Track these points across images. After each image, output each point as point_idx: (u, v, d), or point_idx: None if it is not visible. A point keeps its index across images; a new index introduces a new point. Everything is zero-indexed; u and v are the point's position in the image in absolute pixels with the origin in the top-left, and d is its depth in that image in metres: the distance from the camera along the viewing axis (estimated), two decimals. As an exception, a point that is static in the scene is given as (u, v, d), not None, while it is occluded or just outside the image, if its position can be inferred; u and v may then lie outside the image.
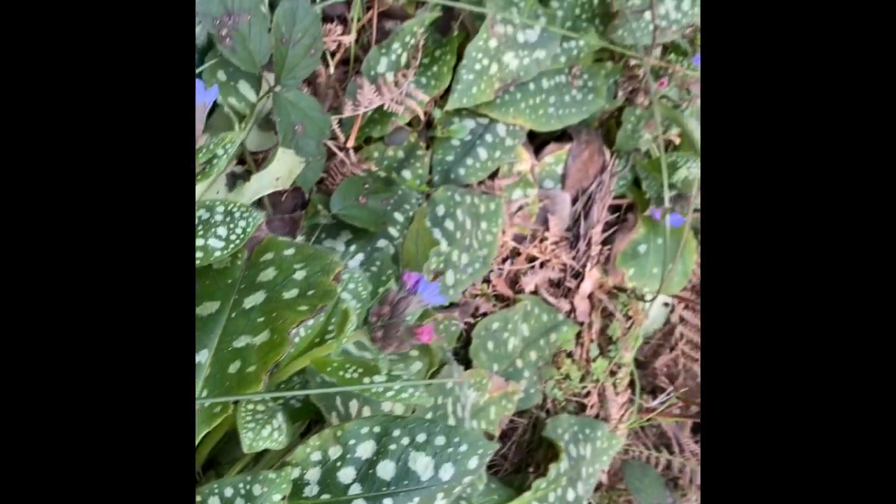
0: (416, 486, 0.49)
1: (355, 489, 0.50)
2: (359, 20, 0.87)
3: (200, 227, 0.50)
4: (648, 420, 1.22)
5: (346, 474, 0.50)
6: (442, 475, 0.50)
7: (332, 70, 0.85)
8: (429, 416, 0.66)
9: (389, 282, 0.56)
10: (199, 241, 0.50)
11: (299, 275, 0.52)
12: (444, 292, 0.84)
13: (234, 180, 0.71)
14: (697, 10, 1.01)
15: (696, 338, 1.32)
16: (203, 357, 0.49)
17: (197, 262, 0.49)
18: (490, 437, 0.84)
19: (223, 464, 0.56)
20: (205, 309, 0.51)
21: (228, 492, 0.47)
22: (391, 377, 0.48)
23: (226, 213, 0.52)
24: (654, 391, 1.30)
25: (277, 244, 0.55)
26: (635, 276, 1.05)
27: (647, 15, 0.96)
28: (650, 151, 1.13)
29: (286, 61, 0.66)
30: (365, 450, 0.51)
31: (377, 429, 0.51)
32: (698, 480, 1.23)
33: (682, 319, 1.30)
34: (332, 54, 0.85)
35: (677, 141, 1.14)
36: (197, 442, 0.47)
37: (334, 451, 0.51)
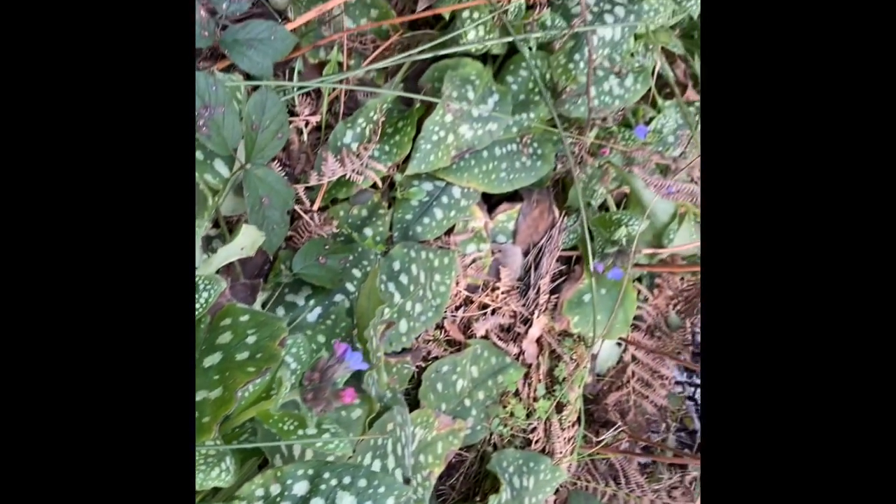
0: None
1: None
2: (329, 94, 0.98)
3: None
4: (592, 454, 1.31)
5: (284, 507, 0.61)
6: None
7: (305, 138, 0.96)
8: (368, 454, 0.76)
9: (321, 351, 0.66)
10: (168, 309, 0.60)
11: (251, 339, 0.63)
12: (397, 340, 0.94)
13: (209, 242, 0.81)
14: (639, 86, 1.12)
15: (646, 375, 1.42)
16: (168, 407, 0.60)
17: (167, 325, 0.60)
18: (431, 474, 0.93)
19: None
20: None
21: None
22: (321, 430, 0.58)
23: (203, 284, 0.62)
24: (606, 425, 1.40)
25: (235, 311, 0.65)
26: (580, 322, 1.15)
27: (594, 90, 1.07)
28: (606, 203, 1.24)
29: (255, 144, 0.77)
30: (300, 488, 0.61)
31: (311, 471, 0.61)
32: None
33: (633, 358, 1.40)
34: (306, 123, 0.96)
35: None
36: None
37: (275, 489, 0.61)
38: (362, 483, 0.61)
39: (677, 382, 1.55)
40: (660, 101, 1.30)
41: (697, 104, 1.33)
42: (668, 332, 1.51)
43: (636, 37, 1.15)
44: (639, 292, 1.36)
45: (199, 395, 0.60)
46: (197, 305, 0.62)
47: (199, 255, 0.74)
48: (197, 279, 0.63)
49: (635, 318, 1.39)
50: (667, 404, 1.47)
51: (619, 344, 1.38)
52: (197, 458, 0.57)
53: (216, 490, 0.66)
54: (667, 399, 1.46)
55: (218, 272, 0.76)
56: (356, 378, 0.70)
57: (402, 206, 1.00)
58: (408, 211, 1.00)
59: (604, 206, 1.26)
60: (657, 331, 1.50)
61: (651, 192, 1.17)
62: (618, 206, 1.22)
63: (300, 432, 0.59)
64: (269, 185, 0.78)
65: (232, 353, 0.62)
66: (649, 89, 1.16)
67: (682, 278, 1.48)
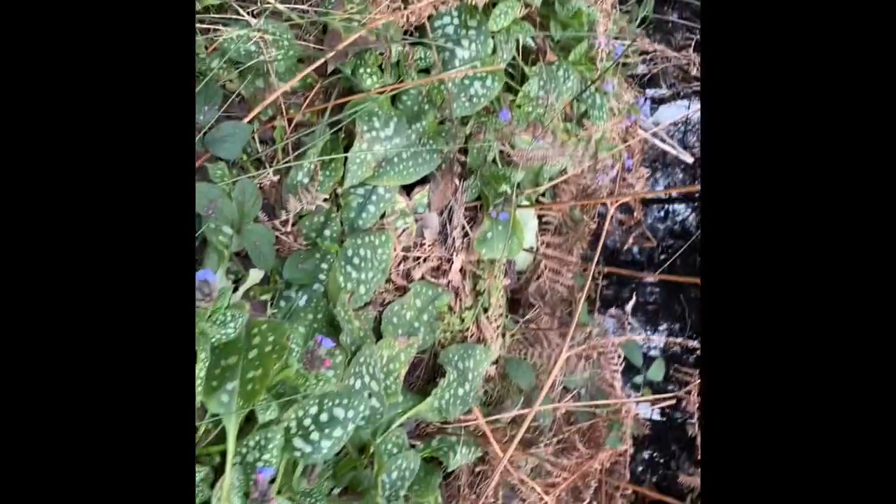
0: (336, 423, 1.15)
1: (312, 426, 1.16)
2: (282, 141, 1.42)
3: (227, 321, 1.11)
4: (521, 331, 1.86)
5: (307, 421, 1.16)
6: (348, 416, 1.15)
7: (272, 178, 1.42)
8: (352, 379, 1.30)
9: (310, 340, 1.18)
10: (220, 331, 1.11)
11: (270, 338, 1.14)
12: (360, 299, 1.45)
13: (228, 271, 1.31)
14: (496, 84, 1.55)
15: (557, 266, 1.95)
16: (234, 385, 1.13)
17: (222, 339, 1.11)
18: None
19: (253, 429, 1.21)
20: (231, 359, 1.14)
21: (253, 441, 1.11)
22: (317, 379, 1.12)
23: (231, 316, 1.13)
24: (530, 307, 1.95)
25: (258, 323, 1.16)
26: (487, 252, 1.66)
27: (463, 94, 1.51)
28: (495, 160, 1.70)
29: (244, 212, 1.24)
30: (313, 411, 1.16)
31: (317, 399, 1.15)
32: (557, 365, 1.88)
33: (545, 255, 1.92)
34: (270, 163, 1.42)
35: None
36: (240, 422, 1.11)
37: (300, 413, 1.16)
38: (344, 401, 1.16)
39: (582, 265, 2.08)
40: (527, 69, 1.72)
41: (556, 63, 1.75)
42: (572, 226, 2.03)
43: (493, 34, 1.57)
44: (540, 200, 1.85)
45: (250, 375, 1.13)
46: (235, 326, 1.13)
47: (227, 285, 1.24)
48: (229, 309, 1.14)
49: (544, 221, 1.89)
50: (574, 283, 2.01)
51: (529, 250, 1.89)
52: (258, 407, 1.11)
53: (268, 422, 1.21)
54: (573, 280, 2.00)
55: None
56: (333, 347, 1.21)
57: (346, 209, 1.48)
58: (351, 211, 1.48)
59: (494, 161, 1.72)
60: (563, 227, 2.02)
61: (525, 146, 1.62)
62: (506, 163, 1.69)
63: (307, 382, 1.12)
64: (257, 233, 1.27)
65: (263, 346, 1.14)
66: (504, 83, 1.59)
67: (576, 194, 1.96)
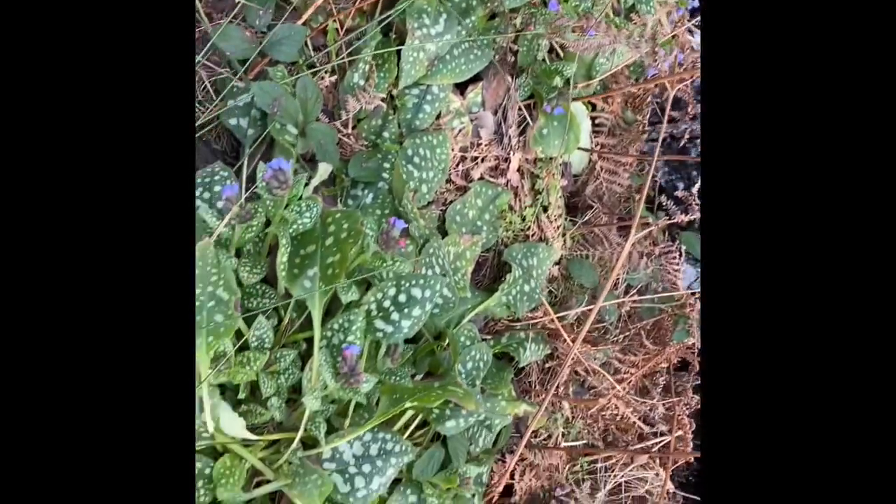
0: (414, 303, 1.18)
1: (392, 307, 1.20)
2: (335, 44, 1.44)
3: (303, 211, 1.15)
4: (581, 230, 1.87)
5: (386, 302, 1.20)
6: (425, 295, 1.19)
7: (329, 80, 1.44)
8: (424, 268, 1.33)
9: (383, 222, 1.21)
10: (297, 221, 1.15)
11: (345, 225, 1.18)
12: (423, 198, 1.48)
13: (296, 173, 1.34)
14: (545, -27, 1.52)
15: (611, 167, 1.94)
16: (314, 271, 1.17)
17: (300, 227, 1.15)
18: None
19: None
20: (309, 248, 1.18)
21: (337, 325, 1.16)
22: (394, 260, 1.15)
23: (307, 206, 1.16)
24: (588, 209, 1.95)
25: (331, 213, 1.20)
26: (544, 150, 1.66)
27: (512, -13, 1.50)
28: (545, 59, 1.69)
29: (307, 110, 1.27)
30: (391, 292, 1.19)
31: (394, 281, 1.19)
32: (620, 262, 1.88)
33: (600, 156, 1.91)
34: (331, 73, 1.44)
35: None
36: (324, 308, 1.15)
37: (379, 296, 1.19)
38: (421, 282, 1.19)
39: (638, 164, 2.06)
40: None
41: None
42: (626, 126, 2.02)
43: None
44: (595, 106, 1.84)
45: (328, 260, 1.17)
46: (311, 216, 1.16)
47: (302, 181, 1.26)
48: (304, 203, 1.17)
49: (597, 124, 1.88)
50: (630, 183, 2.00)
51: (586, 150, 1.89)
52: (340, 288, 1.15)
53: (349, 304, 1.25)
54: (630, 179, 1.99)
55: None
56: (406, 232, 1.25)
57: (403, 110, 1.49)
58: (407, 112, 1.49)
59: (543, 60, 1.71)
60: (617, 129, 2.00)
61: (574, 41, 1.60)
62: (557, 58, 1.67)
63: (384, 264, 1.16)
64: (321, 131, 1.30)
65: (338, 234, 1.18)
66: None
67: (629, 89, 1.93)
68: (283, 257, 1.12)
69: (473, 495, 1.34)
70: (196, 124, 1.33)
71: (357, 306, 1.20)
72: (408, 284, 1.20)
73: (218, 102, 1.29)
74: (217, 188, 1.22)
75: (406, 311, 1.20)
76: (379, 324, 1.20)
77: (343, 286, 1.16)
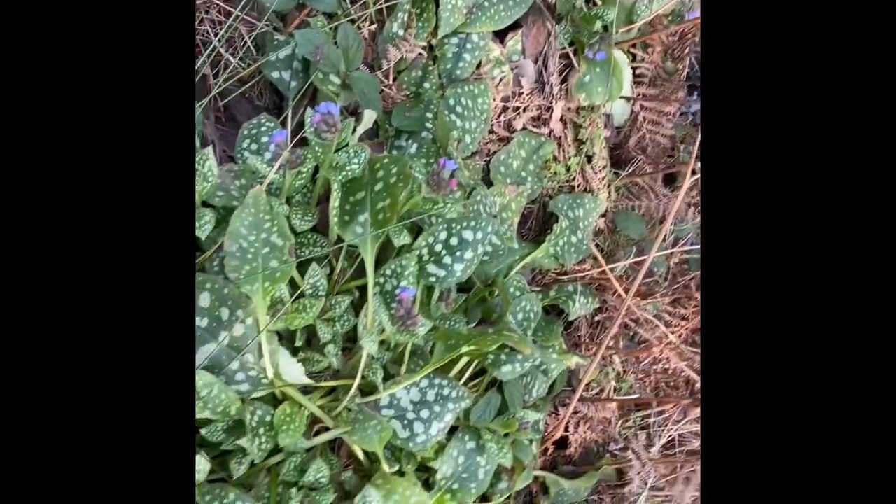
0: (466, 245, 1.17)
1: (444, 251, 1.19)
2: (375, 3, 1.42)
3: (351, 157, 1.14)
4: (625, 183, 1.84)
5: (438, 246, 1.19)
6: (477, 237, 1.17)
7: (370, 28, 1.43)
8: (472, 214, 1.32)
9: (432, 165, 1.19)
10: (351, 165, 1.14)
11: (393, 170, 1.17)
12: (466, 149, 1.46)
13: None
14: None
15: (654, 117, 1.90)
16: (365, 217, 1.16)
17: (349, 174, 1.14)
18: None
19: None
20: (359, 195, 1.18)
21: (389, 270, 1.15)
22: (445, 203, 1.14)
23: (354, 152, 1.16)
24: (632, 161, 1.91)
25: (379, 159, 1.19)
26: (587, 97, 1.63)
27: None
28: (583, 6, 1.65)
29: (349, 59, 1.26)
30: (442, 235, 1.18)
31: (445, 224, 1.18)
32: (671, 214, 1.84)
33: (642, 107, 1.87)
34: (371, 22, 1.42)
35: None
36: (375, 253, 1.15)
37: (430, 239, 1.18)
38: (472, 224, 1.17)
39: (680, 114, 2.02)
40: None
41: None
42: (667, 77, 1.97)
43: None
44: (635, 56, 1.80)
45: (379, 206, 1.16)
46: (359, 161, 1.15)
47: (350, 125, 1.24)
48: (352, 149, 1.16)
49: (638, 74, 1.84)
50: (674, 133, 1.96)
51: (627, 100, 1.85)
52: (391, 232, 1.14)
53: (401, 250, 1.24)
54: (674, 129, 1.94)
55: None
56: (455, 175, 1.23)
57: (443, 59, 1.47)
58: (447, 62, 1.48)
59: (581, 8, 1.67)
60: (658, 79, 1.96)
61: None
62: (594, 4, 1.63)
63: (435, 207, 1.14)
64: (363, 80, 1.28)
65: (387, 178, 1.17)
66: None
67: (667, 37, 1.89)
68: (335, 202, 1.12)
69: (531, 442, 1.33)
70: (239, 79, 1.33)
71: (409, 251, 1.20)
72: (459, 227, 1.18)
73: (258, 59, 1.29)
74: (264, 139, 1.22)
75: (458, 254, 1.19)
76: (431, 268, 1.19)
77: (395, 229, 1.15)
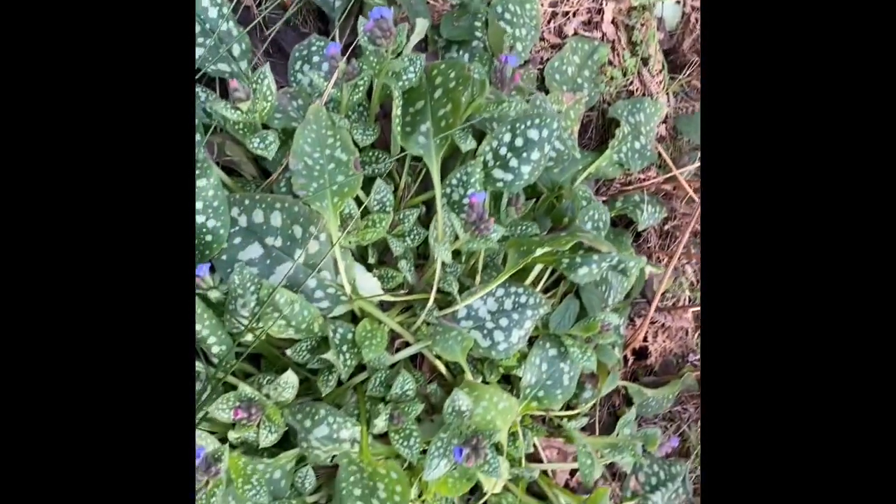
0: (532, 145, 1.13)
1: (509, 154, 1.15)
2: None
3: (407, 66, 1.11)
4: (681, 88, 1.76)
5: (502, 149, 1.15)
6: (542, 136, 1.13)
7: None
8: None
9: (492, 65, 1.15)
10: (407, 74, 1.11)
11: (452, 74, 1.13)
12: (519, 57, 1.41)
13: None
14: None
15: (710, 16, 1.81)
16: (426, 126, 1.14)
17: (408, 84, 1.11)
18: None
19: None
20: (418, 104, 1.15)
21: (455, 180, 1.13)
22: (509, 102, 1.10)
23: (411, 61, 1.12)
24: (686, 65, 1.83)
25: (436, 65, 1.15)
26: (638, -5, 1.55)
27: None
28: None
29: (393, -31, 1.22)
30: (508, 136, 1.15)
31: (510, 126, 1.14)
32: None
33: (693, 9, 1.78)
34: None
35: None
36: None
37: (494, 144, 1.15)
38: (536, 121, 1.13)
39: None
40: None
41: None
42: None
43: None
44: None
45: (440, 112, 1.13)
46: (415, 70, 1.12)
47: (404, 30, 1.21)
48: (405, 59, 1.13)
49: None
50: (731, 32, 1.86)
51: (677, 2, 1.76)
52: (456, 137, 1.11)
53: (465, 157, 1.21)
54: (730, 28, 1.85)
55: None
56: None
57: (487, -33, 1.42)
58: (492, -30, 1.42)
59: None
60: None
61: None
62: None
63: (498, 108, 1.11)
64: (410, -9, 1.24)
65: (446, 84, 1.13)
66: None
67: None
68: (396, 110, 1.09)
69: (614, 346, 1.30)
70: (280, 5, 1.31)
71: (474, 157, 1.17)
72: (523, 126, 1.15)
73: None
74: (315, 58, 1.20)
75: (524, 155, 1.15)
76: (497, 173, 1.16)
77: (460, 134, 1.12)
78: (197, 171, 0.99)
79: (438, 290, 1.17)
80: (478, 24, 1.36)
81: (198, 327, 0.99)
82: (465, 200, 1.14)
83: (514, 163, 1.15)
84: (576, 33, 1.53)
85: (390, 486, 1.02)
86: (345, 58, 1.09)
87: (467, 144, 1.13)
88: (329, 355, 1.05)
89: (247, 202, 1.06)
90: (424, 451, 1.08)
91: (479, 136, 1.20)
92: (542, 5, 1.47)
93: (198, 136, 1.07)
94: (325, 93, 1.08)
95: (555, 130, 1.14)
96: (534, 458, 1.32)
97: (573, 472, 1.45)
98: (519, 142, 1.15)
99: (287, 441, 1.10)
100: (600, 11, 1.56)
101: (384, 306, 1.20)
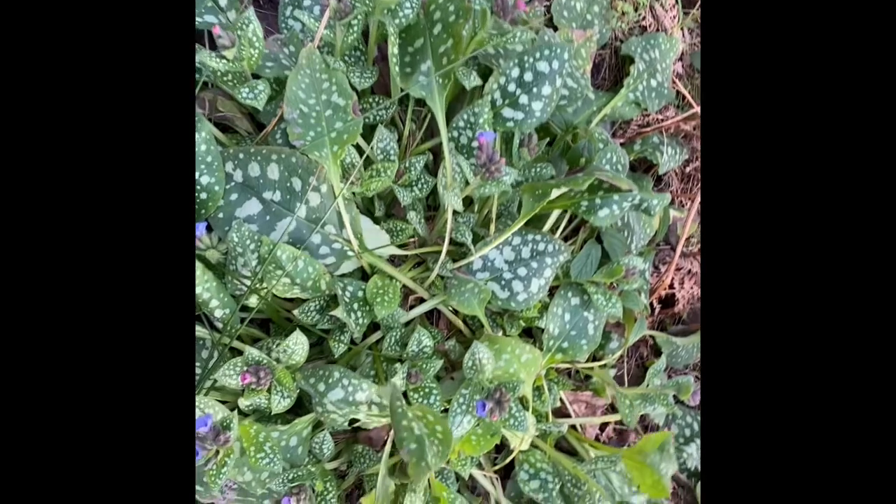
0: (543, 79, 1.05)
1: (518, 90, 1.08)
2: None
3: (405, 1, 1.03)
4: (695, 22, 1.66)
5: (511, 86, 1.07)
6: (553, 68, 1.05)
7: None
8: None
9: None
10: (403, 11, 1.03)
11: (451, 8, 1.05)
12: (525, -9, 1.33)
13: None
14: None
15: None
16: (427, 65, 1.06)
17: (405, 21, 1.03)
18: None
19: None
20: (417, 43, 1.07)
21: (462, 122, 1.05)
22: (514, 35, 1.02)
23: (407, -5, 1.05)
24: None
25: (433, 0, 1.08)
26: (648, -78, 1.45)
27: None
28: None
29: None
30: (516, 70, 1.07)
31: (518, 60, 1.06)
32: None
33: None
34: None
35: None
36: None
37: (502, 80, 1.07)
38: (546, 53, 1.05)
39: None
40: None
41: None
42: None
43: None
44: None
45: (440, 49, 1.05)
46: (411, 6, 1.04)
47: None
48: (405, -7, 1.05)
49: None
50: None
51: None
52: (459, 74, 1.04)
53: (472, 96, 1.14)
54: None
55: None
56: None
57: None
58: None
59: None
60: None
61: None
62: None
63: (503, 40, 1.03)
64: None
65: (446, 18, 1.06)
66: None
67: None
68: (393, 48, 1.02)
69: (640, 291, 1.23)
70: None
71: (480, 96, 1.09)
72: (531, 59, 1.07)
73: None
74: (307, 1, 1.12)
75: (535, 90, 1.07)
76: (507, 112, 1.09)
77: (463, 71, 1.04)
78: (186, 125, 0.93)
79: (451, 242, 1.11)
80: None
81: (198, 290, 0.93)
82: (474, 144, 1.07)
83: (524, 99, 1.08)
84: (583, -34, 1.44)
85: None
86: (336, -3, 1.01)
87: (472, 81, 1.05)
88: (338, 312, 0.99)
89: (241, 156, 1.00)
90: (445, 411, 1.02)
91: (485, 75, 1.13)
92: (545, -62, 1.38)
93: (185, 90, 1.00)
94: (317, 35, 1.01)
95: (566, 61, 1.06)
96: (561, 413, 1.26)
97: (602, 427, 1.39)
98: (528, 76, 1.07)
99: (301, 407, 1.05)
100: (608, -59, 1.46)
101: (395, 261, 1.14)
